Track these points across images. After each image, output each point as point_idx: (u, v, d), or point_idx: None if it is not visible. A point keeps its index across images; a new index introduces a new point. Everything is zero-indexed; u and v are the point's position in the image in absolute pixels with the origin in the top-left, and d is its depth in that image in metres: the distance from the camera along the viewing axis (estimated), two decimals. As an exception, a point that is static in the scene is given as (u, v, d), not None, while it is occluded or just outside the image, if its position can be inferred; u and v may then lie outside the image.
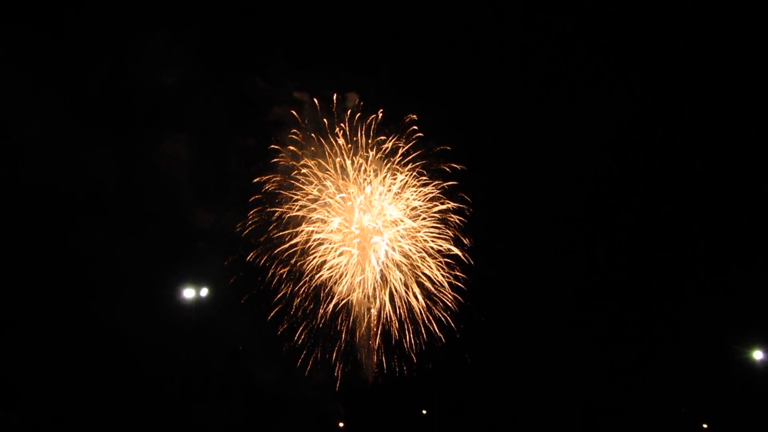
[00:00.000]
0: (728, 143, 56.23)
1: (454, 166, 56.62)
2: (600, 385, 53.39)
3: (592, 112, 60.89)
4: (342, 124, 57.84)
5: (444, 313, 55.29)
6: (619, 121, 59.94)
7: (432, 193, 57.33)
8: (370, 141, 57.75)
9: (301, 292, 55.40)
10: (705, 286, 55.28)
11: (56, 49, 50.84)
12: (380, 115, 57.62)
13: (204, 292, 42.50)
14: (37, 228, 48.34)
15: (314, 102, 58.64)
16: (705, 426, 55.07)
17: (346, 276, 56.28)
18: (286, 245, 55.02)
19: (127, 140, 53.04)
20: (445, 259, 55.98)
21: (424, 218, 57.10)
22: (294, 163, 56.73)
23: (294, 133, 57.51)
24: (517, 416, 52.25)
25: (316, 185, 56.91)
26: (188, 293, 42.09)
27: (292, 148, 56.92)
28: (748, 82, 55.86)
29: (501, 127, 61.07)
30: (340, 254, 56.10)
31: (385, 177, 57.23)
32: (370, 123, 57.94)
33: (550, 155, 61.75)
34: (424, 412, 53.20)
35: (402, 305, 55.84)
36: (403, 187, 57.20)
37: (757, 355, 44.69)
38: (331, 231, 56.11)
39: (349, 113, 58.66)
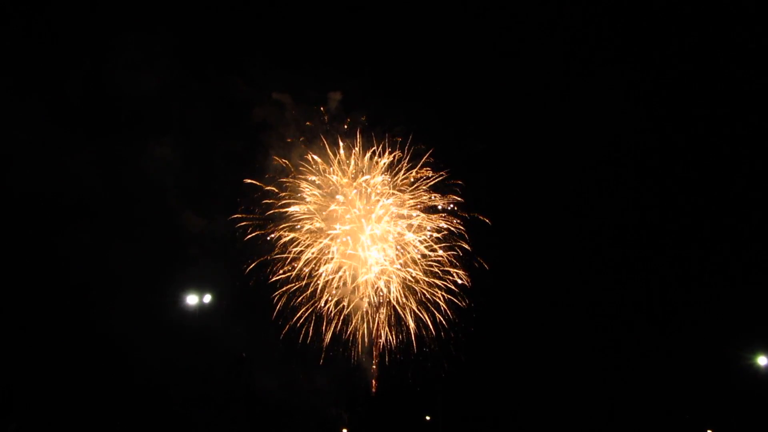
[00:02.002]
0: (735, 146, 56.35)
1: (457, 181, 56.82)
2: (603, 391, 53.29)
3: (589, 113, 60.96)
4: (326, 127, 57.30)
5: (446, 318, 55.35)
6: (620, 123, 60.04)
7: (424, 197, 57.16)
8: (356, 145, 57.21)
9: (299, 301, 55.29)
10: (709, 291, 55.28)
11: (33, 52, 50.39)
12: (365, 118, 57.02)
13: (207, 298, 42.08)
14: (25, 235, 47.73)
15: (298, 102, 58.08)
16: (709, 432, 55.13)
17: (341, 283, 56.14)
18: (280, 257, 54.94)
19: (109, 144, 52.50)
20: (444, 267, 56.07)
21: (415, 226, 56.94)
22: (275, 175, 56.24)
23: (277, 138, 56.89)
24: (521, 423, 52.07)
25: (302, 194, 56.45)
26: (191, 300, 41.63)
27: (276, 158, 56.45)
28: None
29: (495, 130, 60.82)
30: (333, 262, 55.91)
31: (374, 183, 56.88)
32: (355, 125, 57.31)
33: (545, 158, 61.70)
34: (428, 418, 52.91)
35: (404, 313, 55.78)
36: (393, 195, 56.99)
37: (762, 360, 44.68)
38: (321, 237, 55.84)
39: (333, 115, 58.05)
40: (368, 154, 57.31)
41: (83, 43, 52.79)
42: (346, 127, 57.48)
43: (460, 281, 55.67)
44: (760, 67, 55.31)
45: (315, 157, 56.72)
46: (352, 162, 57.13)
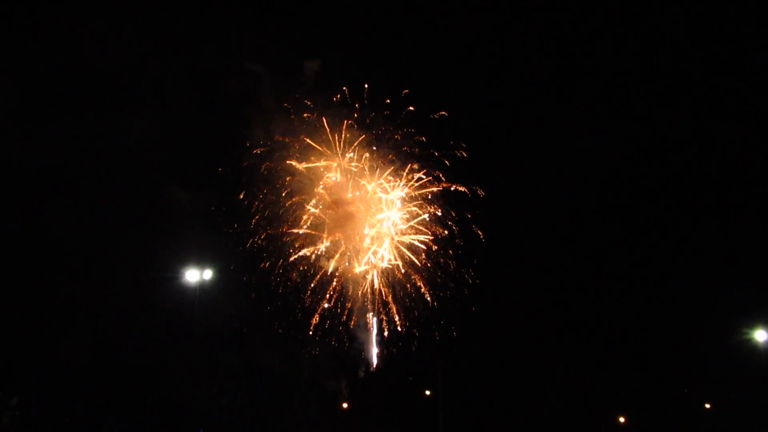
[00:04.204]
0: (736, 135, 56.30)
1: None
2: (604, 367, 53.48)
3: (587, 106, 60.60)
4: (305, 99, 56.12)
5: (445, 293, 55.36)
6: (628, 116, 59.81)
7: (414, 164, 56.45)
8: (337, 115, 55.93)
9: (297, 275, 55.15)
10: (708, 268, 55.37)
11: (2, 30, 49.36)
12: (345, 89, 55.72)
13: (207, 274, 41.79)
14: (17, 217, 47.28)
15: (278, 72, 56.87)
16: (707, 406, 55.45)
17: (338, 258, 55.94)
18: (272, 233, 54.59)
19: (86, 120, 51.60)
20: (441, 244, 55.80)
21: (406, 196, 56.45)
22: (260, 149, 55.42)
23: (255, 110, 55.81)
24: (521, 397, 52.30)
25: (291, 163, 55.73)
26: (191, 276, 41.27)
27: (255, 132, 55.39)
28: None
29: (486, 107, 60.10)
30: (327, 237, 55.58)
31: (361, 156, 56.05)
32: (334, 94, 56.06)
33: (542, 141, 61.35)
34: (428, 393, 53.12)
35: (401, 289, 55.75)
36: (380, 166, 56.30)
37: (760, 335, 44.56)
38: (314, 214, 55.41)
39: (311, 84, 56.79)
40: (349, 127, 56.19)
41: (54, 18, 51.89)
42: (324, 94, 56.18)
43: (459, 261, 55.76)
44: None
45: (296, 131, 55.96)
46: (336, 137, 56.26)
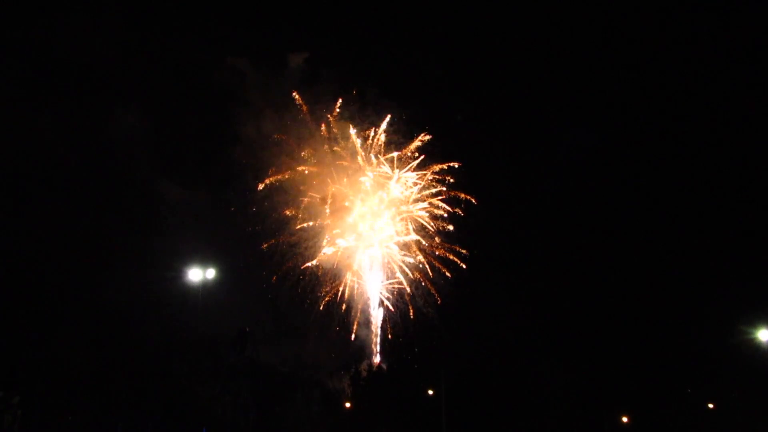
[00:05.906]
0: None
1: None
2: (607, 366, 53.39)
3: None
4: (294, 92, 55.94)
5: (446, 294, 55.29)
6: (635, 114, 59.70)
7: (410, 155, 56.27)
8: (327, 111, 55.84)
9: (301, 275, 55.08)
10: (710, 267, 55.34)
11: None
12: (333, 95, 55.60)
13: (210, 273, 41.70)
14: (18, 216, 47.18)
15: (266, 65, 56.73)
16: (711, 406, 55.36)
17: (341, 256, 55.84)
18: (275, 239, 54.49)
19: (71, 115, 51.30)
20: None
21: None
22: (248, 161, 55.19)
23: (244, 105, 55.56)
24: (524, 396, 52.18)
25: (283, 162, 55.56)
26: (194, 275, 41.15)
27: (245, 128, 55.04)
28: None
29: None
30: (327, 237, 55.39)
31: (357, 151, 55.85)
32: (323, 88, 55.97)
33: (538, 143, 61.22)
34: (431, 392, 53.05)
35: (403, 289, 55.62)
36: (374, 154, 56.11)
37: (763, 335, 44.41)
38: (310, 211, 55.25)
39: (297, 78, 56.64)
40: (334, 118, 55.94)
41: (39, 14, 51.60)
42: (313, 88, 55.94)
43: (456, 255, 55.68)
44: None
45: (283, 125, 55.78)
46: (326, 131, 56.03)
